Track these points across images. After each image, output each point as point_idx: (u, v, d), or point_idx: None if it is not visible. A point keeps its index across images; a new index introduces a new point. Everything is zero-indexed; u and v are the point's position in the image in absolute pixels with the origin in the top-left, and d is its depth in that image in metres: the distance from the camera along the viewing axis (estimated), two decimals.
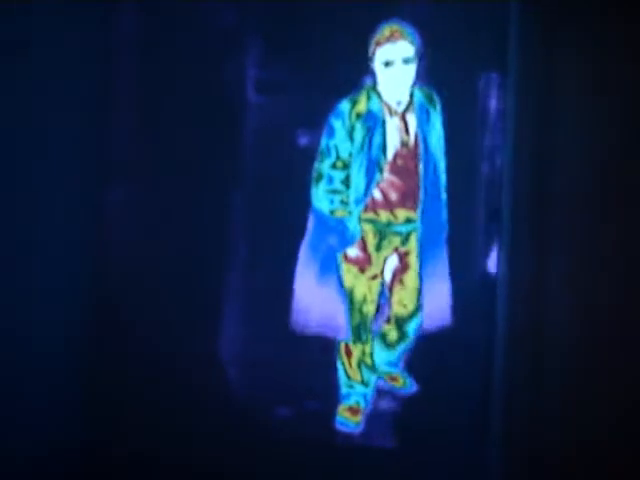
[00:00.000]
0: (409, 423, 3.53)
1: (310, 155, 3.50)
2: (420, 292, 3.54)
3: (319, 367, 3.55)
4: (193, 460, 3.56)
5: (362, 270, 3.53)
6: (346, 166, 3.48)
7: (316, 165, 3.49)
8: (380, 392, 3.57)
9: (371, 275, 3.54)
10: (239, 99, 3.52)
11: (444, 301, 3.52)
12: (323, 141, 3.48)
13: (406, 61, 3.44)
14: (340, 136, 3.47)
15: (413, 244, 3.53)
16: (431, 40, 3.44)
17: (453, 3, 3.41)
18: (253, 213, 3.55)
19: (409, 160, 3.49)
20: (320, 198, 3.49)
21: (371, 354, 3.58)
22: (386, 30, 3.43)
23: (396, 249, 3.54)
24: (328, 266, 3.52)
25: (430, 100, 3.49)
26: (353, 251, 3.52)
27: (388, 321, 3.58)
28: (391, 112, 3.48)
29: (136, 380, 3.56)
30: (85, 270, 3.55)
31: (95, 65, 3.52)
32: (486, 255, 3.50)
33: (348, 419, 3.55)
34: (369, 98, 3.47)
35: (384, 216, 3.51)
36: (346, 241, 3.50)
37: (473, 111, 3.48)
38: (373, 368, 3.58)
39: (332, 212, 3.49)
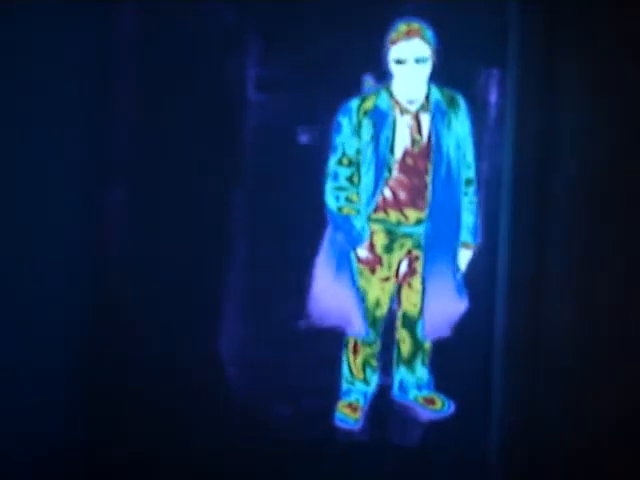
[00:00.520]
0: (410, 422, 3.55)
1: (310, 153, 3.50)
2: (423, 297, 3.54)
3: (318, 365, 3.56)
4: (193, 460, 3.56)
5: (372, 271, 3.53)
6: (352, 163, 3.48)
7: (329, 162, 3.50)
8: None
9: (383, 277, 3.54)
10: (239, 98, 3.53)
11: (450, 311, 3.52)
12: (332, 138, 3.49)
13: (419, 60, 3.43)
14: (346, 133, 3.47)
15: None
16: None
17: (454, 0, 3.41)
18: (253, 211, 3.55)
19: (420, 160, 3.48)
20: (328, 195, 3.49)
21: (377, 357, 3.58)
22: (403, 27, 3.42)
23: (409, 252, 3.54)
24: (343, 263, 3.52)
25: (450, 102, 3.48)
26: (363, 252, 3.51)
27: (401, 325, 3.58)
28: (402, 110, 3.47)
29: (136, 380, 3.56)
30: (85, 270, 3.55)
31: (95, 65, 3.52)
32: (485, 254, 3.51)
33: (347, 416, 3.56)
34: (378, 95, 3.47)
35: (394, 216, 3.51)
36: (353, 239, 3.50)
37: (473, 107, 3.48)
38: (376, 370, 3.58)
39: (339, 209, 3.49)
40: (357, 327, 3.54)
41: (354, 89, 3.48)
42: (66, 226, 3.49)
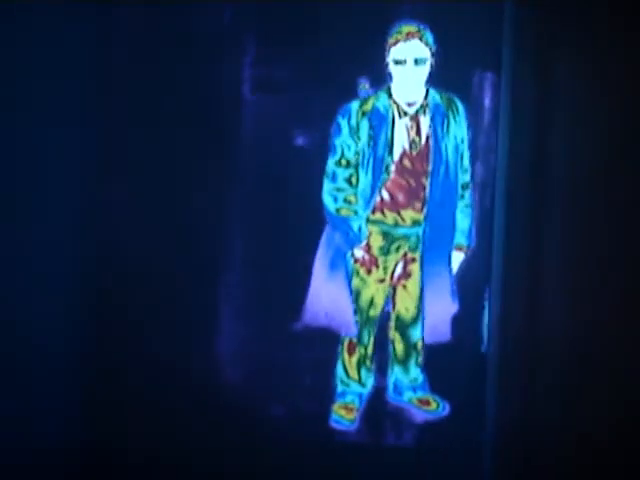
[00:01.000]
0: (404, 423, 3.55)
1: (306, 154, 3.50)
2: (421, 299, 3.55)
3: (315, 366, 3.56)
4: (193, 460, 3.56)
5: (368, 272, 3.54)
6: (350, 164, 3.49)
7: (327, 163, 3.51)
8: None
9: (378, 278, 3.54)
10: (236, 98, 3.52)
11: (446, 313, 3.52)
12: (331, 139, 3.49)
13: (418, 61, 3.44)
14: (345, 134, 3.47)
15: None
16: None
17: (448, 2, 3.41)
18: (250, 212, 3.55)
19: (417, 162, 3.48)
20: (326, 196, 3.50)
21: (371, 358, 3.58)
22: (403, 28, 3.43)
23: (405, 255, 3.54)
24: (338, 263, 3.52)
25: (449, 105, 3.48)
26: (359, 252, 3.52)
27: (394, 327, 3.58)
28: (401, 112, 3.48)
29: (136, 380, 3.56)
30: (84, 270, 3.55)
31: (93, 65, 3.52)
32: (480, 256, 3.51)
33: (343, 417, 3.56)
34: (378, 97, 3.48)
35: (390, 217, 3.51)
36: (350, 241, 3.51)
37: (468, 110, 3.49)
38: (371, 372, 3.58)
39: (337, 210, 3.50)
40: (352, 327, 3.54)
41: (352, 91, 3.48)
42: (64, 225, 3.49)
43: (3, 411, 3.38)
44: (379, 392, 3.58)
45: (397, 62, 3.45)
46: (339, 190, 3.49)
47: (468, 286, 3.52)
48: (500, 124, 3.39)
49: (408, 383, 3.58)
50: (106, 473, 3.58)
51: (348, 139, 3.47)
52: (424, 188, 3.50)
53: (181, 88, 3.52)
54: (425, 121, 3.49)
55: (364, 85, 3.46)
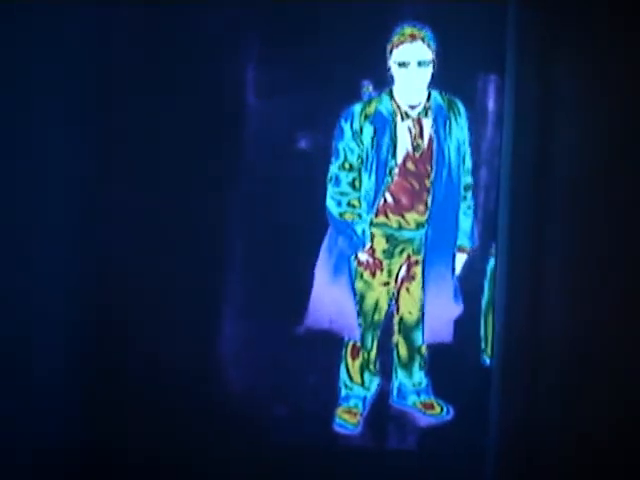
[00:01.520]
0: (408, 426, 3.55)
1: (309, 157, 3.50)
2: (424, 301, 3.54)
3: (318, 368, 3.55)
4: (193, 460, 3.56)
5: (373, 275, 3.53)
6: (354, 168, 3.48)
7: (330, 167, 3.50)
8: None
9: (382, 282, 3.54)
10: (238, 101, 3.52)
11: (450, 315, 3.52)
12: (334, 143, 3.48)
13: (421, 63, 3.43)
14: (348, 138, 3.46)
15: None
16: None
17: (451, 5, 3.41)
18: (252, 214, 3.54)
19: (421, 164, 3.48)
20: (329, 200, 3.49)
21: (375, 362, 3.58)
22: (407, 30, 3.42)
23: (408, 257, 3.54)
24: (341, 267, 3.52)
25: (451, 107, 3.48)
26: (363, 256, 3.51)
27: (397, 330, 3.58)
28: (403, 115, 3.47)
29: (136, 380, 3.56)
30: (84, 271, 3.54)
31: (94, 66, 3.51)
32: (484, 258, 3.51)
33: (346, 421, 3.55)
34: (380, 100, 3.47)
35: (394, 220, 3.51)
36: (354, 245, 3.50)
37: (472, 113, 3.48)
38: (375, 375, 3.58)
39: (341, 215, 3.49)
40: (355, 331, 3.54)
41: (354, 94, 3.48)
42: (64, 225, 3.49)
43: (3, 411, 3.39)
44: (383, 396, 3.58)
45: (400, 64, 3.44)
46: (343, 194, 3.48)
47: (472, 288, 3.52)
48: (504, 126, 3.39)
49: (412, 387, 3.57)
50: (106, 473, 3.58)
51: (351, 143, 3.47)
52: (427, 190, 3.49)
53: (183, 90, 3.51)
54: (427, 123, 3.48)
55: (368, 88, 3.45)
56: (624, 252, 3.29)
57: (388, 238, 3.53)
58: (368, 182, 3.48)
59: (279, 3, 3.46)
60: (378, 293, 3.55)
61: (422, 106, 3.48)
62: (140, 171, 3.55)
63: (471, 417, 3.48)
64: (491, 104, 3.47)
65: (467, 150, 3.49)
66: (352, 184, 3.49)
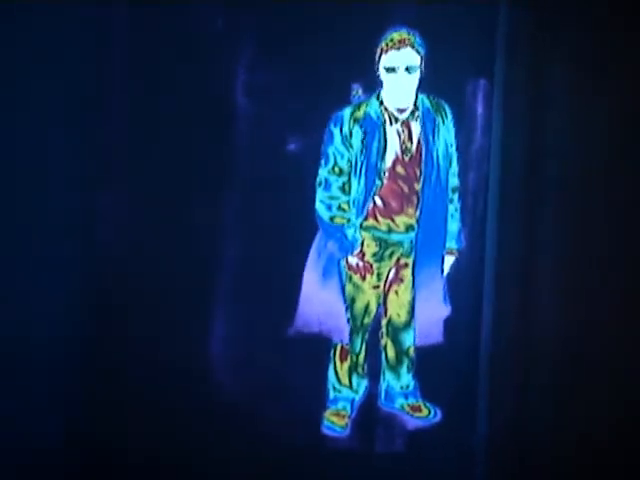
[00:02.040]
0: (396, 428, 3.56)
1: (299, 160, 3.49)
2: (413, 304, 3.54)
3: (308, 370, 3.55)
4: (192, 460, 3.56)
5: (363, 279, 3.53)
6: (343, 172, 3.47)
7: (319, 171, 3.50)
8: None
9: (373, 285, 3.54)
10: (229, 104, 3.51)
11: (438, 316, 3.52)
12: (324, 147, 3.48)
13: (410, 69, 3.43)
14: (338, 142, 3.46)
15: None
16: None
17: (441, 8, 3.40)
18: (243, 216, 3.54)
19: (410, 167, 3.48)
20: (319, 204, 3.49)
21: (363, 365, 3.58)
22: (395, 35, 3.42)
23: (398, 260, 3.54)
24: (331, 270, 3.52)
25: (438, 109, 3.48)
26: (353, 259, 3.51)
27: (385, 333, 3.58)
28: (392, 118, 3.47)
29: (136, 380, 3.56)
30: (81, 271, 3.55)
31: (86, 69, 3.51)
32: (472, 260, 3.51)
33: (334, 423, 3.56)
34: (369, 104, 3.47)
35: (384, 223, 3.51)
36: (344, 249, 3.50)
37: (461, 117, 3.48)
38: (364, 378, 3.58)
39: (332, 219, 3.49)
40: (344, 333, 3.54)
41: (345, 97, 3.47)
42: (63, 225, 3.49)
43: (3, 411, 3.39)
44: (371, 399, 3.58)
45: (388, 70, 3.44)
46: (333, 198, 3.48)
47: (460, 290, 3.52)
48: (493, 131, 3.39)
49: (399, 390, 3.57)
50: (106, 473, 3.58)
51: (340, 147, 3.46)
52: (417, 193, 3.49)
53: (175, 93, 3.50)
54: (416, 126, 3.48)
55: (357, 91, 3.45)
56: (616, 252, 3.30)
57: (377, 241, 3.53)
58: (357, 186, 3.48)
59: (269, 6, 3.45)
60: (368, 296, 3.55)
61: (410, 110, 3.48)
62: (132, 172, 3.54)
63: (460, 419, 3.49)
64: (480, 108, 3.47)
65: (454, 152, 3.50)
66: (342, 188, 3.48)
